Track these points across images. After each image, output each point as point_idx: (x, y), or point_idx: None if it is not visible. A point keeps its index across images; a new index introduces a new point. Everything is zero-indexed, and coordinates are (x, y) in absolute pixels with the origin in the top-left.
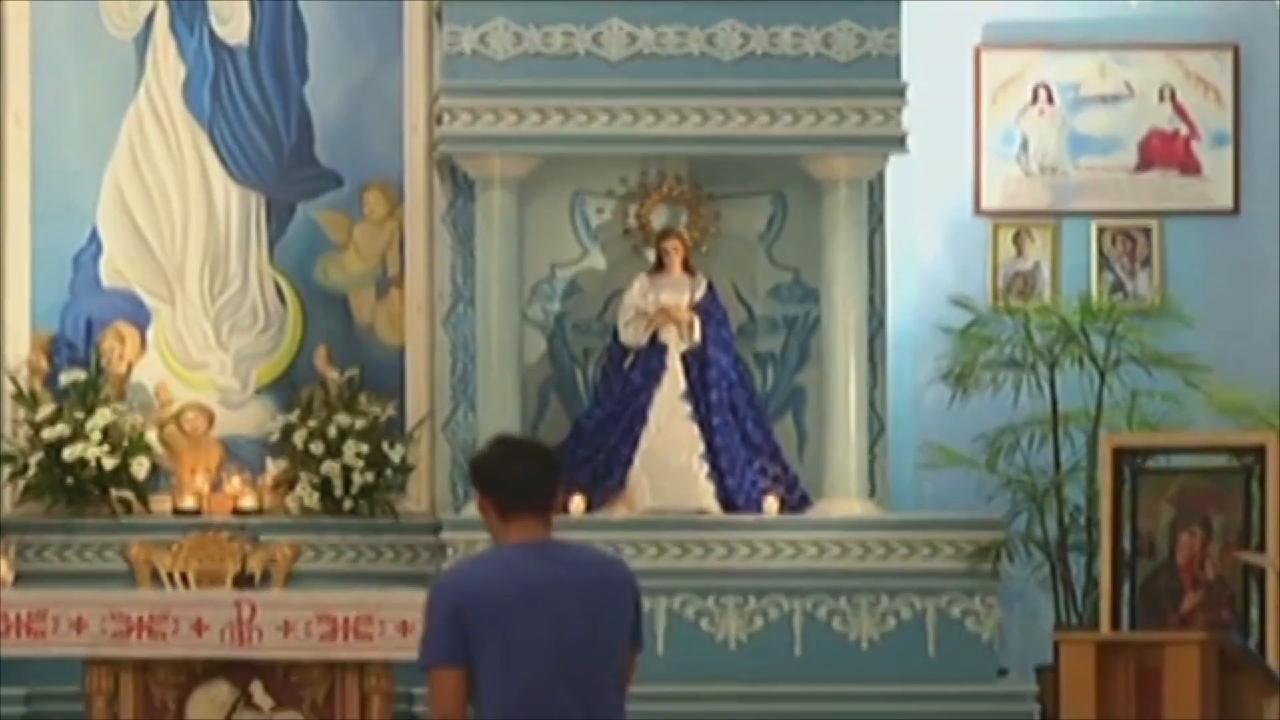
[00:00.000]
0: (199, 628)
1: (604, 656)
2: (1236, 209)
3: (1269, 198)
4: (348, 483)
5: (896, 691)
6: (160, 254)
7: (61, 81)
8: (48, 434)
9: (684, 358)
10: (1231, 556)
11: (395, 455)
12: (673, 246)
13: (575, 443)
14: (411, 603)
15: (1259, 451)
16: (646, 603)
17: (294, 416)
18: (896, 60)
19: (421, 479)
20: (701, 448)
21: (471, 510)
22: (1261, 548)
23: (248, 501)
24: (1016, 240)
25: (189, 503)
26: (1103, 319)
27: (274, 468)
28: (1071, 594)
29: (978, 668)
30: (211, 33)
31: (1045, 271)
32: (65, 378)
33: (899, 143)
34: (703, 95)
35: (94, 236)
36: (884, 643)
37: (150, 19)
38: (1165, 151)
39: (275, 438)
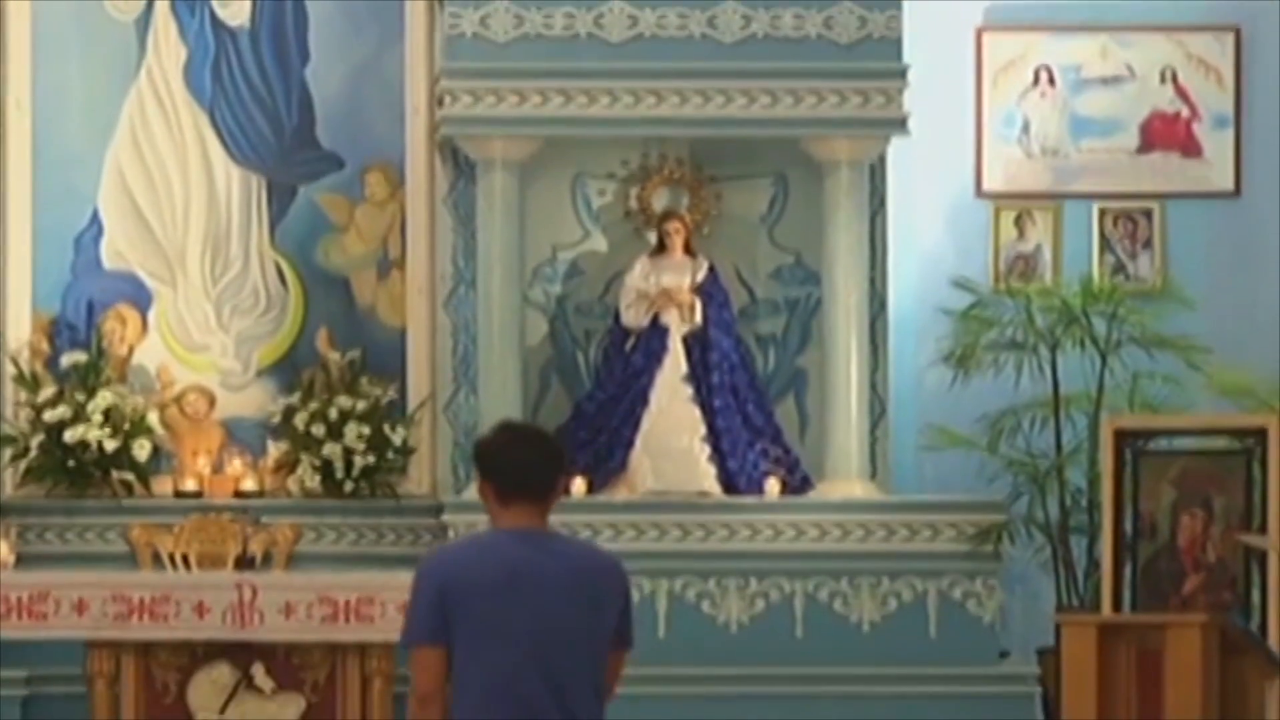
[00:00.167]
0: (200, 610)
1: (583, 648)
2: (1238, 191)
3: (1270, 180)
4: (349, 465)
5: (897, 673)
6: (161, 236)
7: (62, 64)
8: (49, 416)
9: (685, 340)
10: (1233, 538)
11: (396, 437)
12: (674, 228)
13: (576, 425)
14: None
15: (1260, 434)
16: (648, 585)
17: (295, 399)
18: (898, 42)
19: (423, 461)
20: (703, 430)
21: (472, 493)
22: (1263, 530)
23: (249, 484)
24: (1018, 222)
25: (190, 485)
26: (1104, 301)
27: (275, 450)
28: (1073, 576)
29: (979, 650)
30: (212, 14)
31: (1046, 253)
32: (66, 360)
33: (900, 125)
34: (704, 77)
35: (95, 218)
36: (885, 625)
37: (151, 1)
38: (1166, 133)
39: (276, 420)
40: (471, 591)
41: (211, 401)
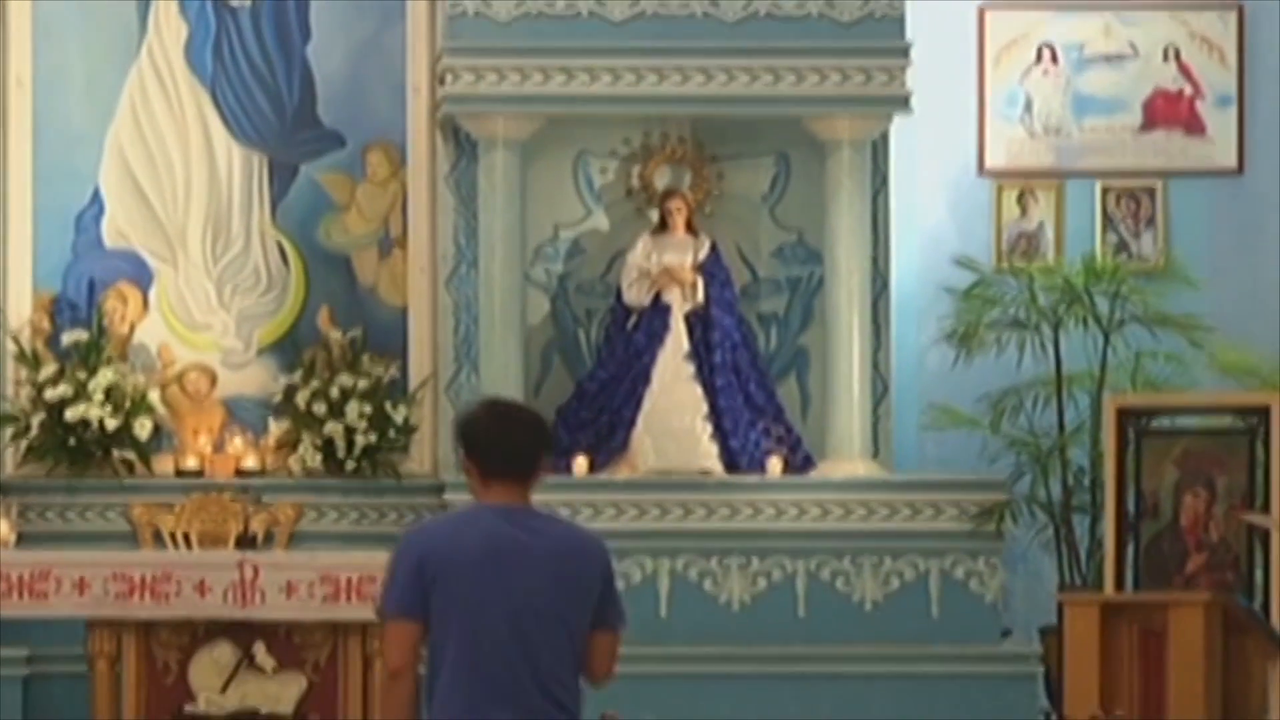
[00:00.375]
0: (201, 589)
1: (562, 626)
2: (1241, 169)
3: (1273, 158)
4: (350, 444)
5: (900, 653)
6: (162, 215)
7: (63, 42)
8: (50, 394)
9: (687, 318)
10: (1236, 518)
11: (398, 416)
12: (676, 207)
13: (578, 404)
14: None
15: (1263, 412)
16: (650, 564)
17: (296, 377)
18: (900, 20)
19: (424, 440)
20: (705, 409)
21: None
22: (1266, 509)
23: (250, 462)
24: (1020, 201)
25: (191, 464)
26: (1107, 279)
27: (276, 428)
28: (1075, 555)
29: (981, 629)
30: None
31: (1049, 232)
32: (67, 338)
33: (903, 103)
34: (706, 55)
35: (96, 197)
36: (887, 604)
37: None
38: (1169, 112)
39: (278, 398)
40: (450, 566)
41: (213, 380)
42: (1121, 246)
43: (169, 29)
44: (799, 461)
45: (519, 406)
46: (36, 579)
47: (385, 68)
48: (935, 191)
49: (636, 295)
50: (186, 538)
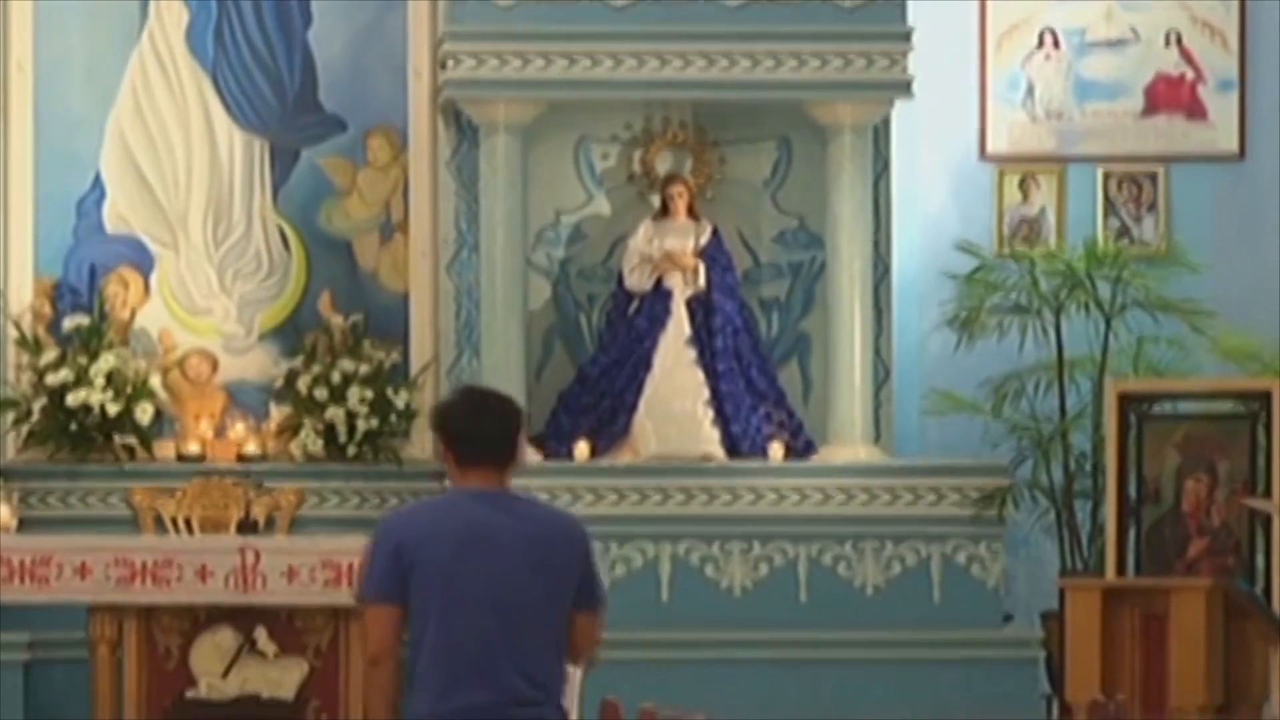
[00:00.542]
0: (203, 574)
1: (542, 608)
2: (1242, 154)
3: (1275, 143)
4: (352, 429)
5: (901, 638)
6: (164, 200)
7: (64, 27)
8: (51, 379)
9: (689, 304)
10: (1237, 502)
11: (399, 401)
12: (677, 192)
13: (580, 389)
14: None
15: (1265, 397)
16: (651, 549)
17: (298, 362)
18: (902, 5)
19: (425, 425)
20: (706, 394)
21: None
22: (1268, 494)
23: (251, 447)
24: (1022, 185)
25: (193, 449)
26: (1108, 264)
27: (278, 413)
28: (1077, 540)
29: (983, 614)
30: None
31: (1051, 217)
32: (69, 323)
33: (904, 88)
34: (707, 40)
35: (97, 182)
36: (889, 589)
37: None
38: (1171, 96)
39: (279, 384)
40: (428, 549)
41: (214, 365)
42: (1123, 231)
43: (170, 13)
44: (800, 446)
45: (494, 394)
46: (38, 564)
47: (386, 52)
48: (937, 176)
49: (638, 280)
50: (188, 523)
